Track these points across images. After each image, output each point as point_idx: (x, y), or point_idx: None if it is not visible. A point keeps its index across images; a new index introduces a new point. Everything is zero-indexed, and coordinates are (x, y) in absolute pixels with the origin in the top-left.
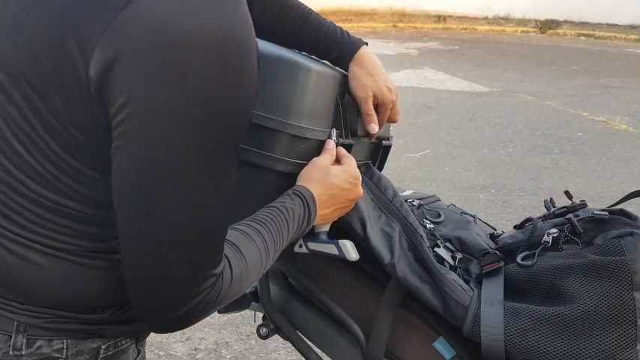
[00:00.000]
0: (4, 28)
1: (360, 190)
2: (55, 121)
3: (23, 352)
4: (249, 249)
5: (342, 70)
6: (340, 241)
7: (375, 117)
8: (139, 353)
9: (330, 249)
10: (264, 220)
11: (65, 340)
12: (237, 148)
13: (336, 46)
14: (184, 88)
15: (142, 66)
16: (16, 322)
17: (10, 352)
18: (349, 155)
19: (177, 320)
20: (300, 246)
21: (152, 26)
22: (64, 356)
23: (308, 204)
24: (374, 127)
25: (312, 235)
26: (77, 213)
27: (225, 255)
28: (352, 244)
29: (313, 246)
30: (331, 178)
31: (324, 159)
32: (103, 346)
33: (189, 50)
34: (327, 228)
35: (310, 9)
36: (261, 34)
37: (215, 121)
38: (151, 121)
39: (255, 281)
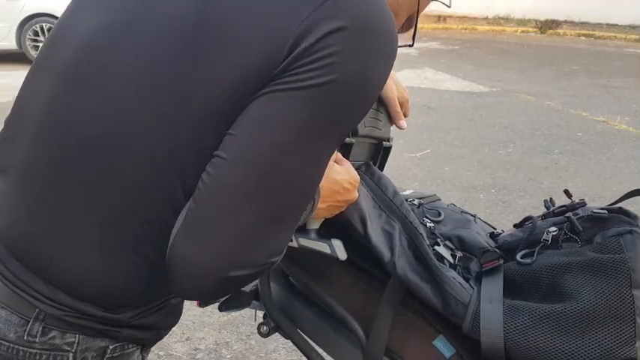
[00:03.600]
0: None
1: (356, 194)
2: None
3: (37, 340)
4: None
5: None
6: (333, 240)
7: (402, 114)
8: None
9: (322, 247)
10: None
11: (78, 335)
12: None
13: None
14: (373, 67)
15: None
16: (37, 310)
17: (24, 337)
18: (346, 160)
19: (222, 282)
20: (291, 240)
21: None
22: (73, 350)
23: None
24: (404, 123)
25: (303, 231)
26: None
27: None
28: (342, 243)
29: (304, 242)
30: (335, 173)
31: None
32: (111, 347)
33: (380, 34)
34: (317, 225)
35: None
36: None
37: (365, 100)
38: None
39: None
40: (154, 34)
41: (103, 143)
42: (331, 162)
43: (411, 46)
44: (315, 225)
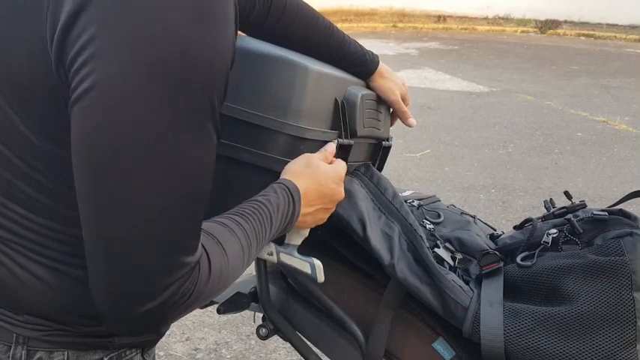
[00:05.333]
0: None
1: (342, 191)
2: (22, 100)
3: None
4: (231, 243)
5: (341, 71)
6: (315, 260)
7: (409, 112)
8: None
9: (303, 266)
10: (246, 214)
11: (66, 352)
12: (214, 111)
13: (363, 62)
14: (155, 27)
15: (111, 5)
16: (14, 334)
17: None
18: (338, 159)
19: (146, 316)
20: (271, 254)
21: None
22: None
23: (294, 199)
24: (413, 121)
25: (284, 245)
26: (60, 211)
27: (204, 246)
28: (322, 265)
29: (285, 258)
30: (322, 175)
31: (318, 156)
32: (106, 358)
33: None
34: (299, 242)
35: (331, 22)
36: (287, 44)
37: (190, 69)
38: (115, 66)
39: (234, 279)
40: None
41: None
42: (318, 162)
43: None
44: (296, 241)
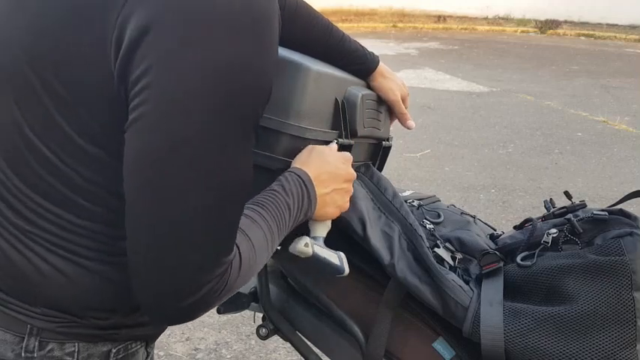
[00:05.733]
0: (24, 10)
1: (352, 170)
2: (72, 101)
3: (35, 355)
4: (256, 234)
5: (342, 71)
6: (340, 252)
7: (408, 114)
8: (147, 355)
9: (332, 257)
10: (264, 203)
11: (77, 344)
12: (257, 121)
13: (364, 60)
14: (208, 52)
15: (169, 31)
16: (29, 326)
17: (22, 354)
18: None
19: (184, 310)
20: (307, 245)
21: None
22: (74, 359)
23: (305, 183)
24: (412, 123)
25: (314, 238)
26: (89, 208)
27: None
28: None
29: (318, 250)
30: (328, 156)
31: (322, 146)
32: (114, 350)
33: (215, 14)
34: (324, 233)
35: (328, 20)
36: (286, 43)
37: (238, 89)
38: (171, 88)
39: (259, 269)
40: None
41: None
42: (321, 147)
43: None
44: (322, 232)
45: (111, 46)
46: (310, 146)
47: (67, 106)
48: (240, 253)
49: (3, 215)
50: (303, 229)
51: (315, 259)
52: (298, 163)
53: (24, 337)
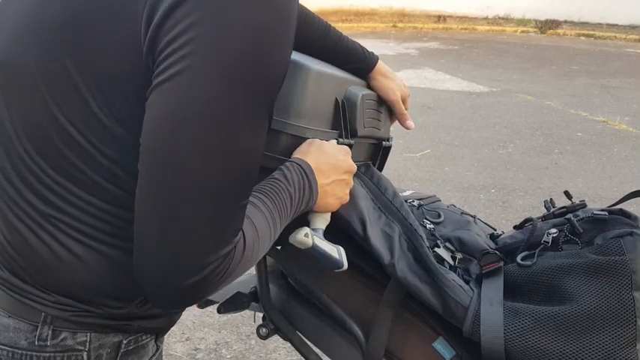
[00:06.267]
0: None
1: (352, 162)
2: (102, 83)
3: (48, 343)
4: (259, 219)
5: (342, 71)
6: (339, 246)
7: (407, 115)
8: (157, 349)
9: (332, 250)
10: (266, 191)
11: (89, 334)
12: (272, 104)
13: (362, 58)
14: (243, 17)
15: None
16: (43, 314)
17: (36, 342)
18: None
19: (186, 290)
20: (307, 235)
21: None
22: (86, 349)
23: (305, 172)
24: (411, 123)
25: (314, 230)
26: (110, 190)
27: None
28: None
29: (318, 241)
30: (327, 147)
31: (321, 140)
32: (125, 341)
33: None
34: (324, 226)
35: (326, 21)
36: None
37: (263, 67)
38: (206, 51)
39: (262, 256)
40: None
41: None
42: (319, 140)
43: None
44: (321, 224)
45: (141, 23)
46: (310, 140)
47: (97, 88)
48: (244, 236)
49: (26, 201)
50: (302, 222)
51: (314, 251)
52: (298, 154)
53: (37, 326)
